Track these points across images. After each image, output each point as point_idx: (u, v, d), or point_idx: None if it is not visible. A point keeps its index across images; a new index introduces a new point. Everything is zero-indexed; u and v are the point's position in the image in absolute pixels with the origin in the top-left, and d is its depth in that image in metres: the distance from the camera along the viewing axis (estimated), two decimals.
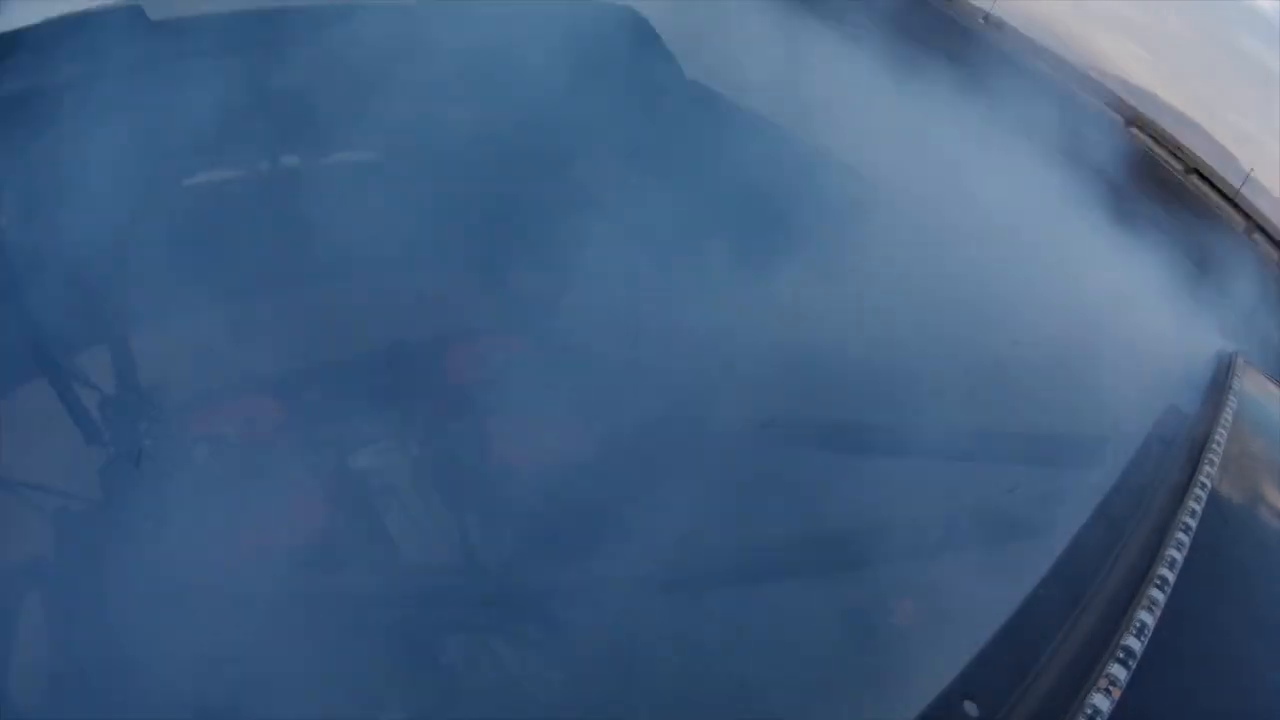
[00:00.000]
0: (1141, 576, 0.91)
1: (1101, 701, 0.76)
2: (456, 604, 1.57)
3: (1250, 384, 1.41)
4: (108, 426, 1.80)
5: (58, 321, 1.83)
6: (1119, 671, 0.79)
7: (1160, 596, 0.89)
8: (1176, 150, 3.38)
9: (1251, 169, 3.33)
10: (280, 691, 1.53)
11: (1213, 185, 3.31)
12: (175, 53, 1.89)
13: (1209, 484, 1.08)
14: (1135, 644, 0.82)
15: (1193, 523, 1.01)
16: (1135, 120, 3.42)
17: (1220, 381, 1.35)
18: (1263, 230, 3.20)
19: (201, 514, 1.68)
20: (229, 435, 1.84)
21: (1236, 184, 3.27)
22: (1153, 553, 0.95)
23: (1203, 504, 1.04)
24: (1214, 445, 1.17)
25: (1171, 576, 0.92)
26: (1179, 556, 0.95)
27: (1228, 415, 1.25)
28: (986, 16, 3.79)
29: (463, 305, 2.59)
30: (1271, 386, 1.54)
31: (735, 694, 1.78)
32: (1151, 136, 3.40)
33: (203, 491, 1.73)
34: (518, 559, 1.76)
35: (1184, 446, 1.17)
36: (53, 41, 1.73)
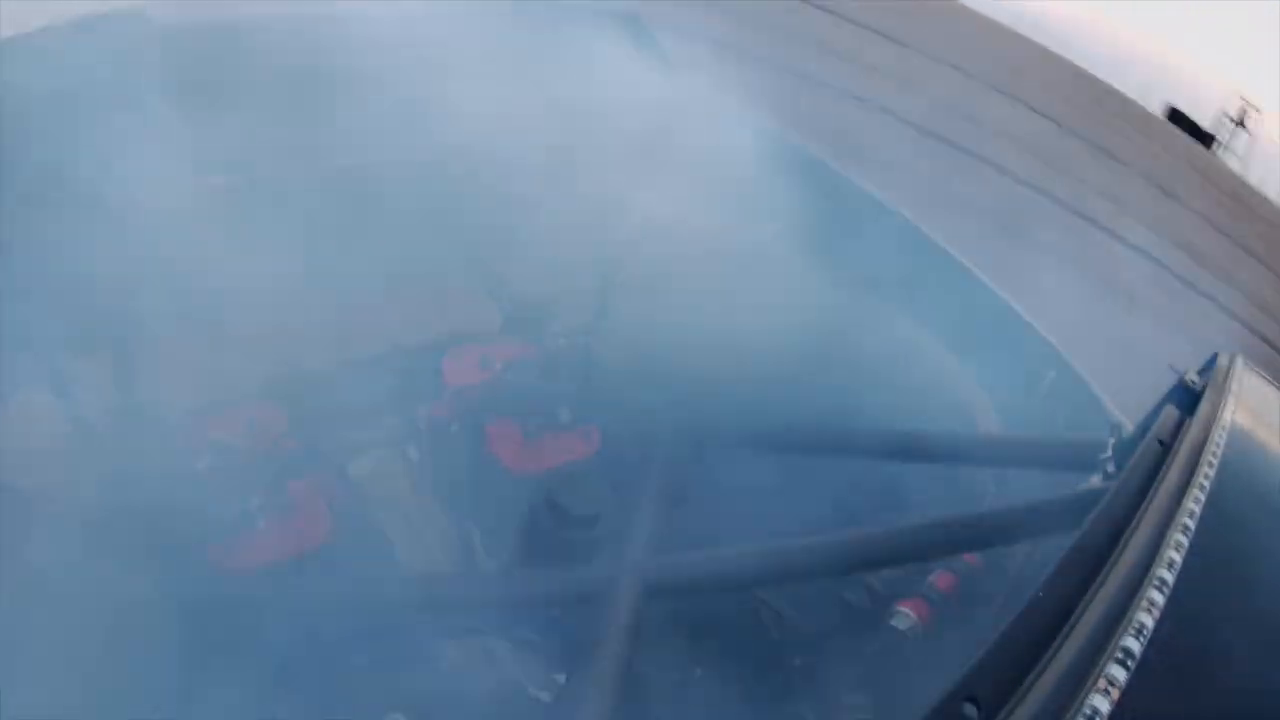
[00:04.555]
0: (1141, 578, 0.91)
1: (1101, 702, 0.76)
2: (456, 607, 1.57)
3: (1249, 385, 1.41)
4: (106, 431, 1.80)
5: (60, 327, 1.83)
6: (1118, 672, 0.79)
7: (1160, 598, 0.89)
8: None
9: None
10: (284, 692, 1.53)
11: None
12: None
13: (1207, 486, 1.08)
14: (1134, 645, 0.82)
15: (1191, 524, 1.01)
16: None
17: (1219, 383, 1.35)
18: None
19: (201, 519, 1.68)
20: (227, 441, 1.84)
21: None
22: (1152, 554, 0.95)
23: (1201, 505, 1.05)
24: (1212, 447, 1.17)
25: (1170, 578, 0.92)
26: (1178, 558, 0.95)
27: (1226, 417, 1.25)
28: None
29: (463, 309, 2.59)
30: (1270, 388, 1.54)
31: (737, 695, 1.77)
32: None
33: (200, 497, 1.73)
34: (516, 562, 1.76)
35: (1183, 448, 1.17)
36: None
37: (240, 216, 2.20)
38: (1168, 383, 1.37)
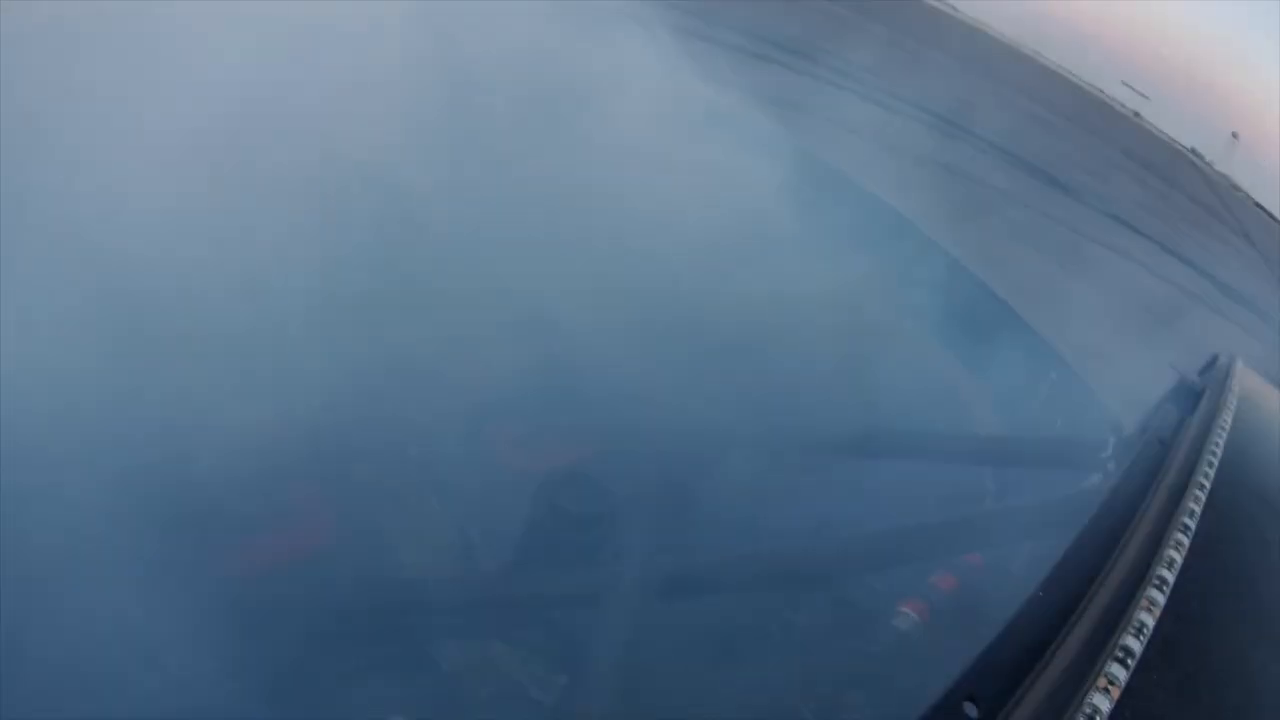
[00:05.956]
0: (1141, 577, 0.91)
1: (1102, 701, 0.76)
2: (455, 609, 1.57)
3: (1247, 387, 1.41)
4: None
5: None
6: (1119, 671, 0.79)
7: (1160, 597, 0.89)
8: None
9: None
10: (284, 695, 1.53)
11: None
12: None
13: (1207, 485, 1.09)
14: (1135, 644, 0.83)
15: (1191, 524, 1.01)
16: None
17: (1218, 384, 1.36)
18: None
19: (207, 519, 1.68)
20: (231, 442, 1.84)
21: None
22: (1152, 553, 0.95)
23: (1201, 505, 1.05)
24: (1212, 447, 1.18)
25: (1171, 577, 0.92)
26: (1178, 557, 0.96)
27: (1225, 418, 1.25)
28: None
29: (460, 303, 2.59)
30: (1269, 389, 1.54)
31: (737, 695, 1.78)
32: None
33: (204, 498, 1.73)
34: (516, 564, 1.76)
35: (1182, 448, 1.17)
36: None
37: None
38: (1168, 383, 1.38)
